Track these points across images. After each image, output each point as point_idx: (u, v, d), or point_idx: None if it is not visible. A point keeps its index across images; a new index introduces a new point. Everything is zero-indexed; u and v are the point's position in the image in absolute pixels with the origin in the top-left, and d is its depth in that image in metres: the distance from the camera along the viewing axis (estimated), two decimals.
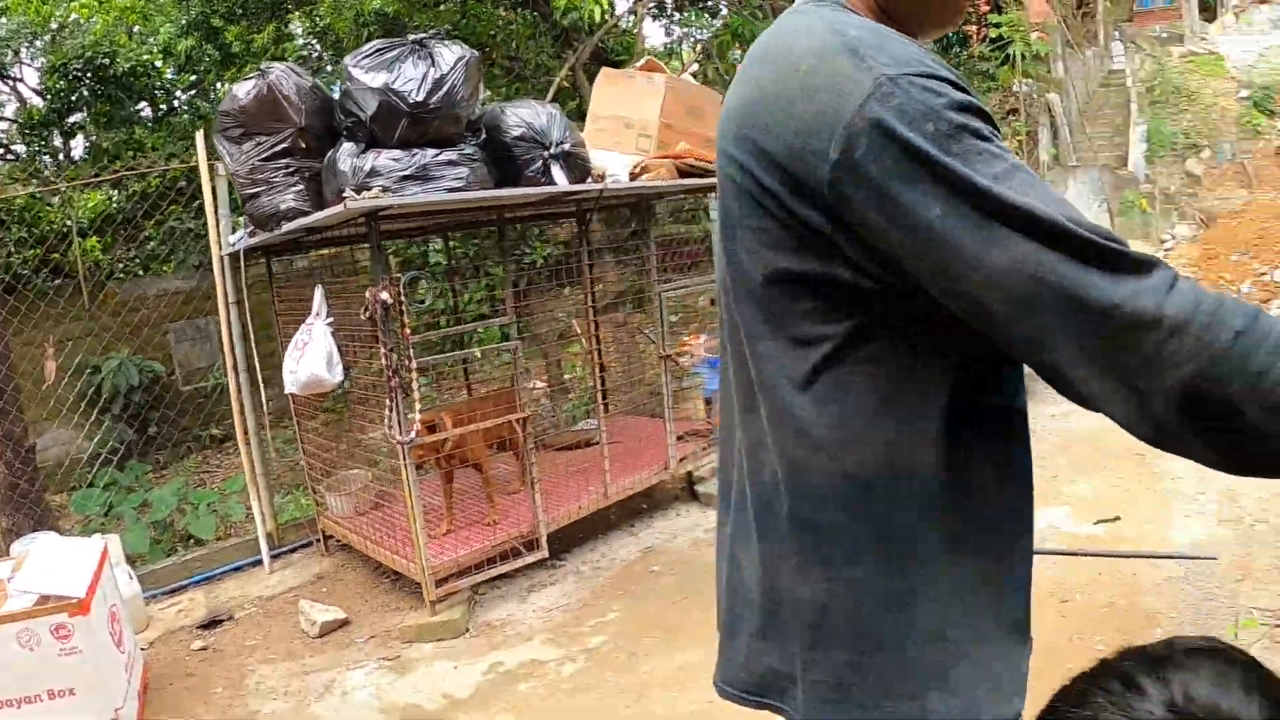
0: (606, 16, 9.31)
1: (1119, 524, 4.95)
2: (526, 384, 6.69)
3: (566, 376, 7.05)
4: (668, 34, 11.73)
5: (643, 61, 5.40)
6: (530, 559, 4.70)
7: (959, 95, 0.98)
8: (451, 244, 7.14)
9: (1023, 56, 14.28)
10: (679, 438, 5.67)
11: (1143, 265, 0.89)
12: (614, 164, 4.77)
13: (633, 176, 4.72)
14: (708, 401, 6.27)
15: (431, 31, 4.38)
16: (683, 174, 4.89)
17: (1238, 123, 15.28)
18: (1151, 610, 4.00)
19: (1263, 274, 11.69)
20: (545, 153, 4.49)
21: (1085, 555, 4.54)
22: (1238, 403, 0.86)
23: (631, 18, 10.65)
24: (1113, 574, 4.35)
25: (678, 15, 11.27)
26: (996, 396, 1.14)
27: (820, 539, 1.10)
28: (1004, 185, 0.93)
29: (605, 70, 5.44)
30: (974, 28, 17.06)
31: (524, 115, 4.56)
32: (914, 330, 1.06)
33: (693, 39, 11.89)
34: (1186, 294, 0.87)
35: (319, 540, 5.52)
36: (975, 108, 0.98)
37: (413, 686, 3.95)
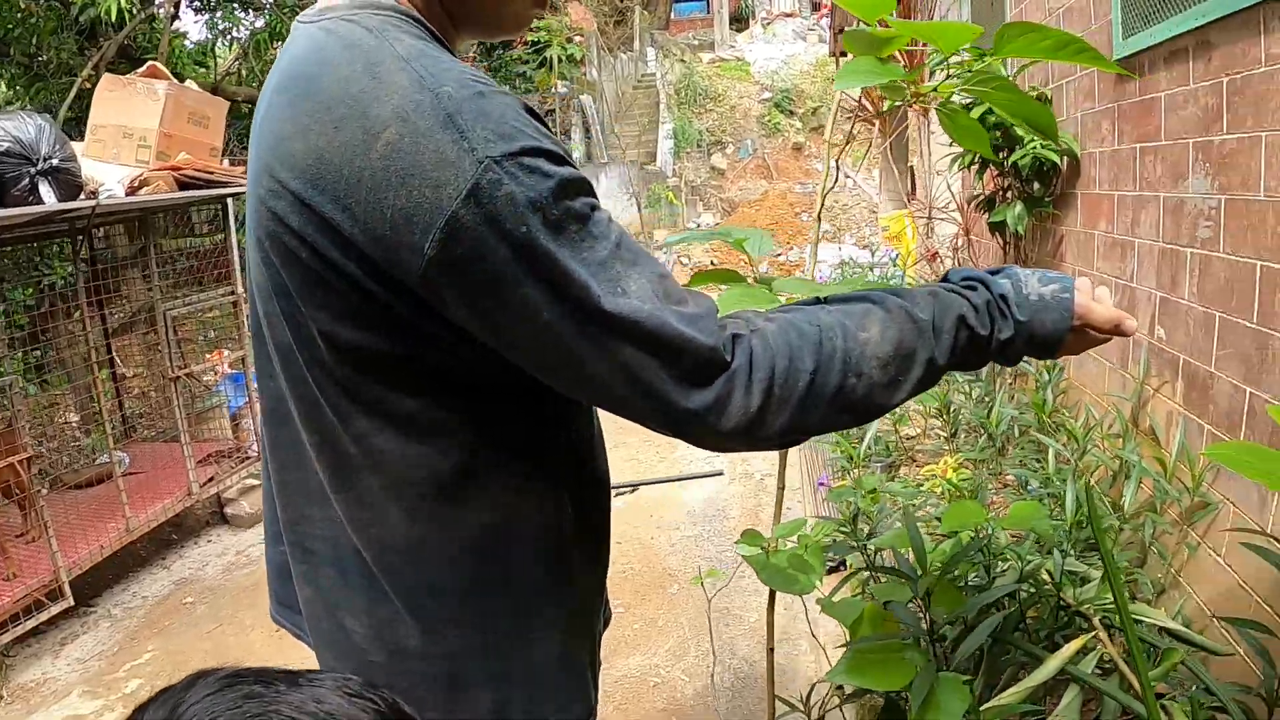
0: (128, 13, 8.65)
1: (637, 494, 5.38)
2: (59, 418, 6.11)
3: (99, 406, 6.48)
4: (210, 28, 10.97)
5: (145, 67, 5.08)
6: (56, 609, 4.31)
7: (563, 171, 0.91)
8: None
9: (559, 60, 15.09)
10: (201, 460, 5.41)
11: (725, 359, 0.96)
12: (111, 177, 4.45)
13: (131, 190, 4.43)
14: (234, 419, 6.05)
15: None
16: (184, 185, 4.67)
17: (760, 121, 17.00)
18: (669, 569, 4.40)
19: (778, 255, 13.16)
20: (33, 169, 4.11)
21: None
22: (826, 420, 1.02)
23: (162, 13, 9.92)
24: (631, 541, 4.73)
25: (219, 11, 10.60)
26: (588, 429, 1.22)
27: (447, 600, 1.10)
28: (611, 276, 0.92)
29: (107, 76, 5.05)
30: None
31: (9, 128, 4.13)
32: (514, 396, 1.08)
33: (230, 37, 11.27)
34: (762, 364, 0.96)
35: None
36: (577, 181, 0.93)
37: None
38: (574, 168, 0.94)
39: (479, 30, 1.17)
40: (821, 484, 3.69)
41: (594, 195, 0.96)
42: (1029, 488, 2.95)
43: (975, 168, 4.13)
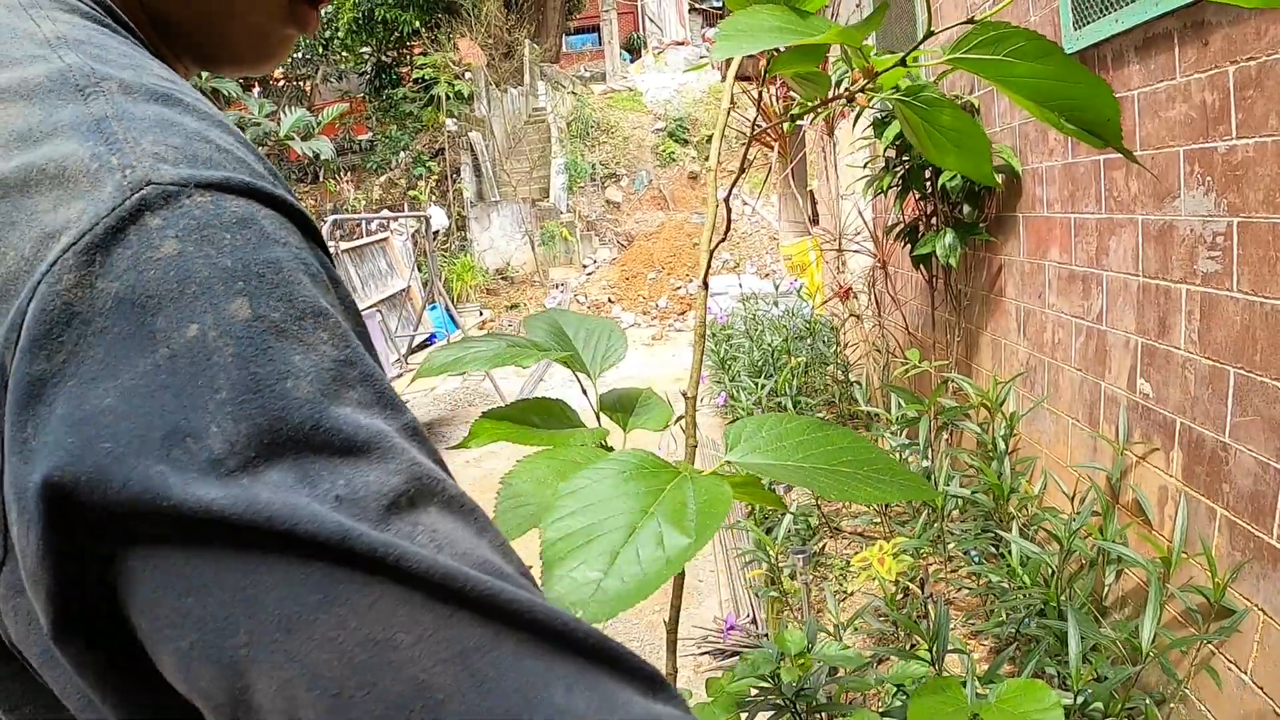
0: None
1: None
2: None
3: None
4: None
5: None
6: None
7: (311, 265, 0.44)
8: None
9: (447, 97, 14.54)
10: None
11: None
12: None
13: None
14: None
15: None
16: None
17: (654, 152, 16.67)
18: None
19: (677, 288, 12.69)
20: None
21: None
22: None
23: None
24: None
25: None
26: None
27: None
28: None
29: None
30: (407, 69, 17.27)
31: None
32: None
33: None
34: None
35: None
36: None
37: None
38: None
39: (205, 59, 0.66)
40: (730, 628, 3.11)
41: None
42: (1003, 596, 2.39)
43: (895, 191, 3.61)
